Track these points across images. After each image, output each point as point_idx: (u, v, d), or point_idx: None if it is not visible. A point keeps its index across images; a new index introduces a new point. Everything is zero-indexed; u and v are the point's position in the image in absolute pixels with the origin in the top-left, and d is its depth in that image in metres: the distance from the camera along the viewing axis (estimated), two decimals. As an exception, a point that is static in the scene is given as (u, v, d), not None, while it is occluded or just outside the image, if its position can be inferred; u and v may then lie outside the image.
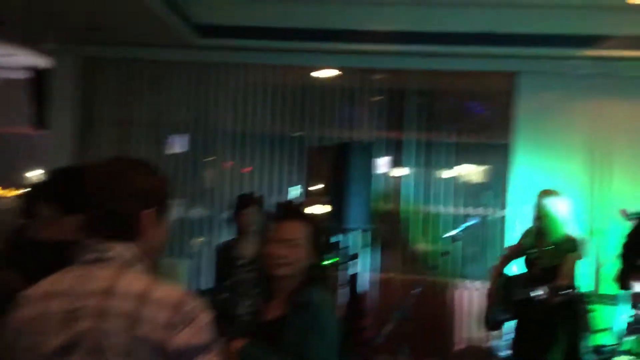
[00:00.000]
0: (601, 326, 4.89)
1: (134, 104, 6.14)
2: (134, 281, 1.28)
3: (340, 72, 6.07)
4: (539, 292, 3.73)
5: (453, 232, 4.90)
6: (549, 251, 3.86)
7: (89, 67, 6.10)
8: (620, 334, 4.67)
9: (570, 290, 3.50)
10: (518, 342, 4.09)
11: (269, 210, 4.42)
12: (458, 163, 5.88)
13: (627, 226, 4.86)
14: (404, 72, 5.93)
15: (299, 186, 5.90)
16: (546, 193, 3.95)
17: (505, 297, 4.13)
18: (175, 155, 6.22)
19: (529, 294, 3.85)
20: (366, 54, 5.78)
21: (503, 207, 5.72)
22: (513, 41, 5.45)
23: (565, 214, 3.87)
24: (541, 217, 3.91)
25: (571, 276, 3.81)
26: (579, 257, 3.84)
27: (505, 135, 5.77)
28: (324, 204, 4.82)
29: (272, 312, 2.04)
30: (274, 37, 5.64)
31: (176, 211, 5.87)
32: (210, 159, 6.22)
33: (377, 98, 5.94)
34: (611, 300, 4.95)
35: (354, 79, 6.02)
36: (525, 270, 4.13)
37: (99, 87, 6.16)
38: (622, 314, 4.66)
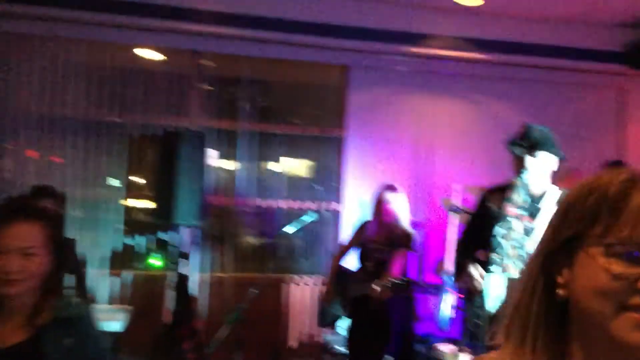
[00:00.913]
0: (426, 315, 5.10)
1: None
2: None
3: (167, 54, 5.56)
4: (375, 287, 3.69)
5: (289, 227, 4.72)
6: (385, 245, 3.84)
7: None
8: (443, 323, 4.89)
9: (404, 283, 3.50)
10: (353, 338, 4.03)
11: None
12: (293, 156, 5.73)
13: (460, 218, 5.15)
14: (237, 58, 5.61)
15: (119, 179, 5.32)
16: (387, 188, 3.95)
17: (342, 293, 4.05)
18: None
19: (365, 290, 3.79)
20: (196, 35, 5.35)
21: (338, 200, 5.71)
22: (345, 34, 5.44)
23: (402, 209, 3.89)
24: (380, 211, 3.87)
25: (404, 269, 3.84)
26: (413, 251, 3.89)
27: (338, 128, 5.76)
28: (146, 198, 4.34)
29: (9, 339, 1.63)
30: (90, 8, 4.96)
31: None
32: (10, 146, 5.32)
33: (208, 84, 5.53)
34: (435, 289, 5.18)
35: (183, 62, 5.54)
36: (360, 265, 4.08)
37: None
38: (446, 303, 4.88)
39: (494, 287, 2.44)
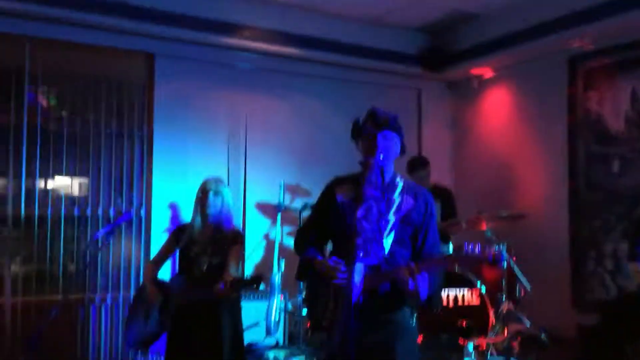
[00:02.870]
0: (251, 321, 4.76)
1: None
2: None
3: None
4: (206, 294, 3.23)
5: (93, 237, 4.00)
6: (214, 247, 3.40)
7: None
8: (270, 328, 4.59)
9: (247, 280, 3.11)
10: (176, 352, 3.47)
11: None
12: (89, 157, 4.92)
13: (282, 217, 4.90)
14: (19, 40, 4.65)
15: None
16: (215, 180, 3.48)
17: (160, 307, 3.48)
18: None
19: (192, 298, 3.31)
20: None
21: (145, 205, 5.06)
22: (151, 18, 4.85)
23: (227, 204, 3.48)
24: (203, 208, 3.41)
25: (238, 269, 3.44)
26: (242, 250, 3.50)
27: (144, 124, 5.14)
28: None
29: None
30: None
31: None
32: None
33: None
34: (258, 295, 4.86)
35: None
36: (183, 272, 3.56)
37: None
38: (272, 308, 4.59)
39: (357, 274, 2.19)
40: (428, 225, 2.50)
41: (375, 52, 5.94)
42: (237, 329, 3.52)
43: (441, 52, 6.15)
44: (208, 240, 3.42)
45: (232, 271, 3.32)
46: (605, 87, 5.02)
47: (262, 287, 5.06)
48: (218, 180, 3.49)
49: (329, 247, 2.65)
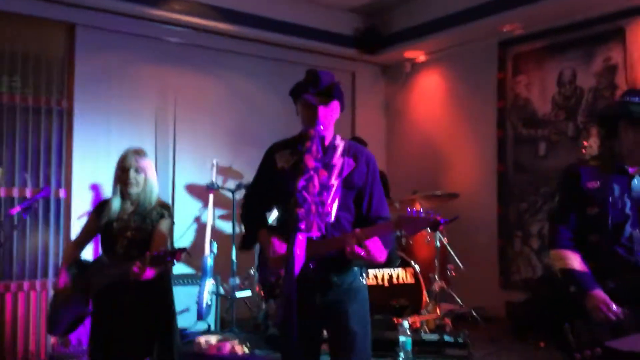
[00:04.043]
0: (181, 307, 4.57)
1: None
2: None
3: None
4: (123, 274, 3.00)
5: (7, 214, 3.67)
6: (137, 222, 3.15)
7: None
8: (201, 313, 4.42)
9: (160, 258, 2.89)
10: (101, 342, 3.24)
11: None
12: (7, 132, 4.54)
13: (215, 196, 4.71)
14: None
15: None
16: (135, 153, 3.20)
17: (83, 290, 3.23)
18: None
19: (116, 278, 3.06)
20: None
21: (64, 185, 4.74)
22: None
23: (154, 177, 3.24)
24: (125, 181, 3.15)
25: (167, 244, 3.21)
26: (171, 225, 3.28)
27: (64, 99, 4.80)
28: None
29: None
30: None
31: None
32: None
33: None
34: (188, 279, 4.68)
35: None
36: (107, 251, 3.29)
37: None
38: (203, 293, 4.42)
39: (299, 247, 2.09)
40: (372, 186, 2.44)
41: (311, 31, 5.83)
42: (167, 310, 3.29)
43: (376, 35, 6.13)
44: (130, 217, 3.18)
45: (155, 247, 3.10)
46: (534, 71, 5.16)
47: (192, 271, 4.92)
48: (139, 153, 3.22)
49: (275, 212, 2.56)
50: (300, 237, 2.08)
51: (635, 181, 2.30)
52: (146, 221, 3.17)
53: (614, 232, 2.27)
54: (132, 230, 3.15)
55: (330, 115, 2.42)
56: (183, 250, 2.83)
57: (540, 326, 4.24)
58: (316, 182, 2.27)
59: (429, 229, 2.13)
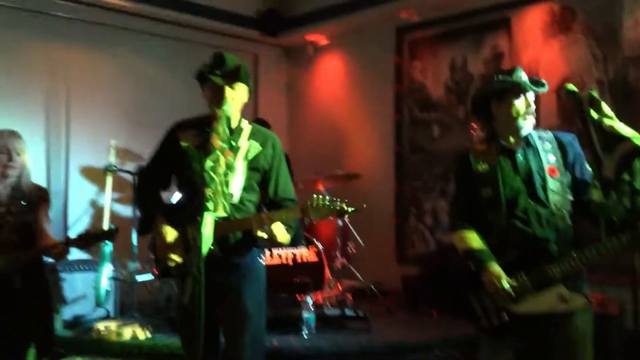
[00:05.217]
0: (75, 294, 4.40)
1: None
2: None
3: None
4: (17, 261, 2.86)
5: None
6: (17, 206, 2.99)
7: None
8: (99, 299, 4.28)
9: (94, 238, 2.81)
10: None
11: None
12: None
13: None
14: None
15: None
16: (12, 134, 3.04)
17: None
18: None
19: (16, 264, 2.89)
20: None
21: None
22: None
23: (28, 161, 3.09)
24: (7, 166, 2.98)
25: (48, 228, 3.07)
26: (49, 208, 3.15)
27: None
28: None
29: None
30: None
31: None
32: None
33: None
34: (84, 265, 4.50)
35: None
36: None
37: None
38: (101, 279, 4.28)
39: (207, 227, 2.10)
40: (278, 169, 2.49)
41: (212, 11, 5.73)
42: (46, 295, 3.17)
43: (277, 17, 6.14)
44: (8, 201, 3.02)
45: (49, 232, 3.00)
46: (428, 57, 5.42)
47: (89, 256, 4.74)
48: (15, 135, 3.07)
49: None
50: (207, 218, 2.09)
51: (519, 156, 2.39)
52: (27, 206, 3.04)
53: (508, 208, 2.35)
54: (13, 216, 3.00)
55: (236, 97, 2.44)
56: (116, 230, 2.80)
57: (434, 298, 4.54)
58: (222, 162, 2.29)
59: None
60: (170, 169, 2.48)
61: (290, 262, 4.37)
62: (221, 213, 2.27)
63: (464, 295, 2.46)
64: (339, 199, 2.28)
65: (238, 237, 2.35)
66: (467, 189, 2.49)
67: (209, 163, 2.22)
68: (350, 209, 2.17)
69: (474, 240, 2.42)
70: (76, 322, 4.19)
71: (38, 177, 4.50)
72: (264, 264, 2.54)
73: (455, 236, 2.50)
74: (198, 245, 2.00)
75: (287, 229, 2.34)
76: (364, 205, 2.28)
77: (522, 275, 2.30)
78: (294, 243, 3.81)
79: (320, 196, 2.23)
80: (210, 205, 2.11)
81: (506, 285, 2.28)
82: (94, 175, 5.12)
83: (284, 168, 2.54)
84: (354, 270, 4.90)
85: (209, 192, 2.15)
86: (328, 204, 2.18)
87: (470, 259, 2.39)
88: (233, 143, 2.40)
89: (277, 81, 6.68)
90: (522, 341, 2.32)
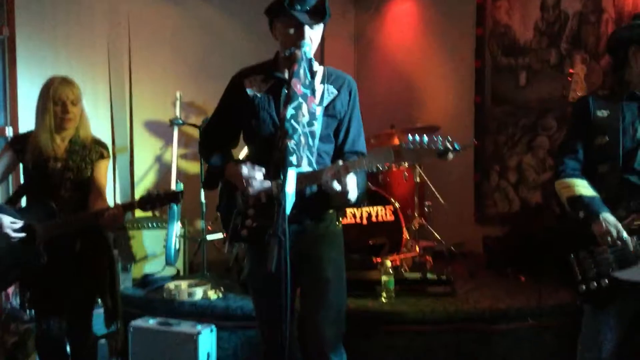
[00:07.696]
0: (144, 253, 4.30)
1: None
2: None
3: None
4: (85, 222, 2.68)
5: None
6: (76, 161, 2.79)
7: None
8: (169, 258, 4.16)
9: (157, 200, 2.62)
10: (41, 291, 2.90)
11: None
12: None
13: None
14: None
15: None
16: (69, 83, 2.80)
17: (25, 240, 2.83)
18: None
19: (68, 228, 2.71)
20: None
21: (12, 120, 4.29)
22: None
23: (84, 112, 2.87)
24: (65, 118, 2.77)
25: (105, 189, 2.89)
26: (107, 166, 2.95)
27: (5, 25, 4.27)
28: None
29: None
30: None
31: None
32: None
33: None
34: (153, 222, 4.38)
35: None
36: (46, 194, 2.87)
37: None
38: (172, 236, 4.14)
39: (290, 184, 1.81)
40: (351, 117, 2.21)
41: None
42: (110, 257, 3.01)
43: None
44: (66, 155, 2.82)
45: (104, 194, 2.81)
46: (515, -5, 4.89)
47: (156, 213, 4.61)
48: (72, 83, 2.82)
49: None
50: (291, 173, 1.80)
51: None
52: (86, 160, 2.84)
53: (625, 160, 2.16)
54: (72, 171, 2.82)
55: (315, 38, 2.13)
56: (181, 193, 2.63)
57: (520, 260, 4.18)
58: (305, 110, 1.99)
59: (436, 156, 1.87)
60: (238, 121, 2.20)
61: (365, 222, 4.09)
62: (306, 168, 1.99)
63: (561, 256, 2.21)
64: (439, 136, 1.93)
65: (313, 193, 2.09)
66: (581, 135, 2.27)
67: (290, 111, 1.92)
68: (457, 146, 1.83)
69: (584, 187, 2.18)
70: (146, 281, 4.08)
71: (102, 131, 4.41)
72: (341, 228, 2.28)
73: (560, 184, 2.25)
74: (282, 205, 1.72)
75: (358, 183, 2.03)
76: (475, 141, 1.96)
77: (634, 239, 2.07)
78: (357, 204, 3.55)
79: (415, 136, 1.89)
80: (293, 159, 1.81)
81: (626, 236, 2.03)
82: (159, 129, 4.95)
83: (358, 116, 2.24)
84: (433, 231, 4.57)
85: (291, 144, 1.85)
86: (426, 143, 1.85)
87: (580, 207, 2.14)
88: (313, 87, 2.10)
89: (345, 28, 6.28)
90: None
